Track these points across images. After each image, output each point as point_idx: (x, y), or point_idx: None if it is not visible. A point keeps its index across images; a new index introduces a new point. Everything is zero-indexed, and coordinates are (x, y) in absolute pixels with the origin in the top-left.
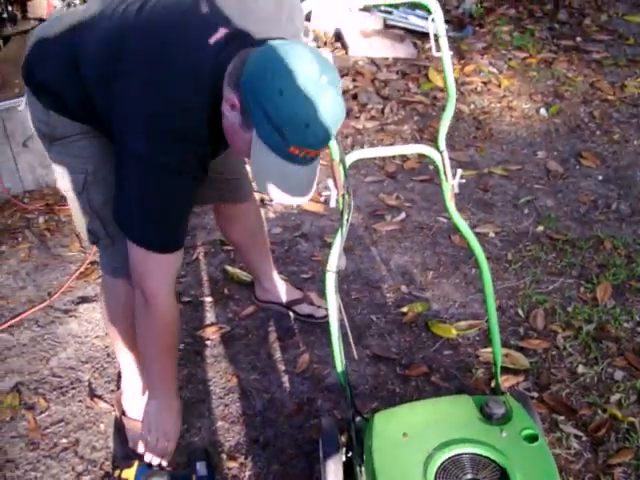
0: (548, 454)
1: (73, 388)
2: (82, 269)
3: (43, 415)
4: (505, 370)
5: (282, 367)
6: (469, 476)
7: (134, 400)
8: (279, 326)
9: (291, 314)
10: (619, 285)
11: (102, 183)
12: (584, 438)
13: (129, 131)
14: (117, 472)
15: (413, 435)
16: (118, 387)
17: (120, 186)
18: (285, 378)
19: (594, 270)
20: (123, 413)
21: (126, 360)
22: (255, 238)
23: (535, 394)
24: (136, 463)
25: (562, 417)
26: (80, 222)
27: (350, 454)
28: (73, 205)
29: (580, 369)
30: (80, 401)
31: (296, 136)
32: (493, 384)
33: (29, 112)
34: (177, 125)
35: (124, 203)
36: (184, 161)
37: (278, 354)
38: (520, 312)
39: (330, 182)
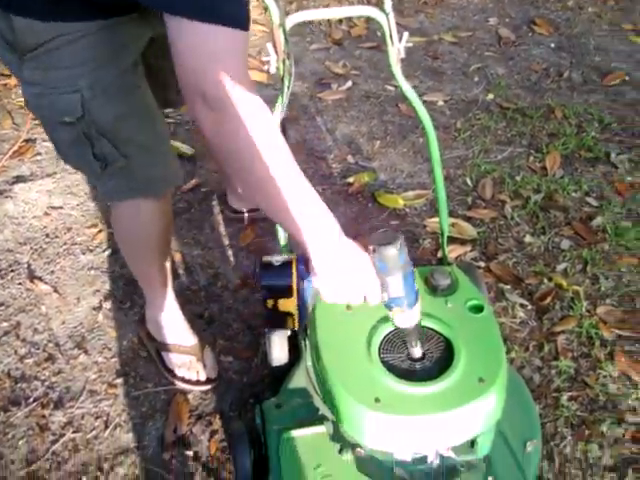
0: (493, 324)
1: (12, 271)
2: (16, 147)
3: None
4: (452, 240)
5: (226, 241)
6: None
7: (164, 324)
8: (221, 200)
9: None
10: (568, 155)
11: (108, 94)
12: (529, 307)
13: None
14: (270, 303)
15: (357, 308)
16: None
17: None
18: (229, 252)
19: (544, 139)
20: (153, 339)
21: (151, 283)
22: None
23: (482, 264)
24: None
25: (508, 286)
26: (75, 153)
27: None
28: (63, 135)
29: (527, 239)
30: (20, 284)
31: None
32: (440, 255)
33: None
34: None
35: None
36: None
37: (222, 228)
38: (468, 182)
39: (270, 46)
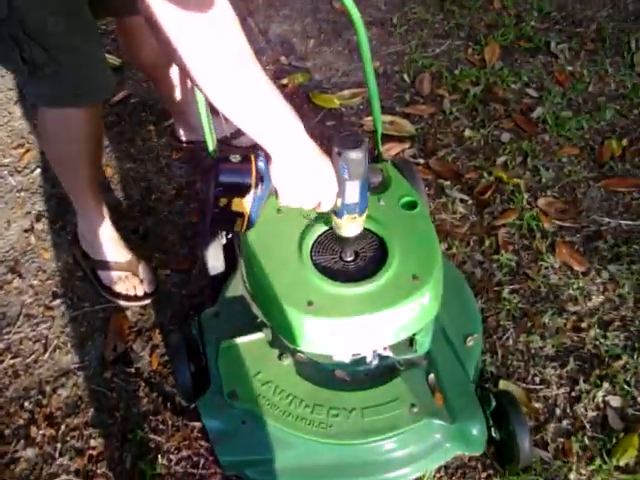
0: (427, 220)
1: None
2: None
3: None
4: (390, 138)
5: (159, 153)
6: None
7: (98, 242)
8: (152, 110)
9: None
10: (508, 46)
11: None
12: (470, 202)
13: None
14: (223, 201)
15: (287, 211)
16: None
17: None
18: (162, 164)
19: (482, 31)
20: (87, 257)
21: (83, 199)
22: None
23: (421, 160)
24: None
25: (448, 182)
26: (1, 54)
27: (230, 236)
28: None
29: (467, 133)
30: None
31: None
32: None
33: None
34: None
35: None
36: None
37: (154, 139)
38: (406, 77)
39: None
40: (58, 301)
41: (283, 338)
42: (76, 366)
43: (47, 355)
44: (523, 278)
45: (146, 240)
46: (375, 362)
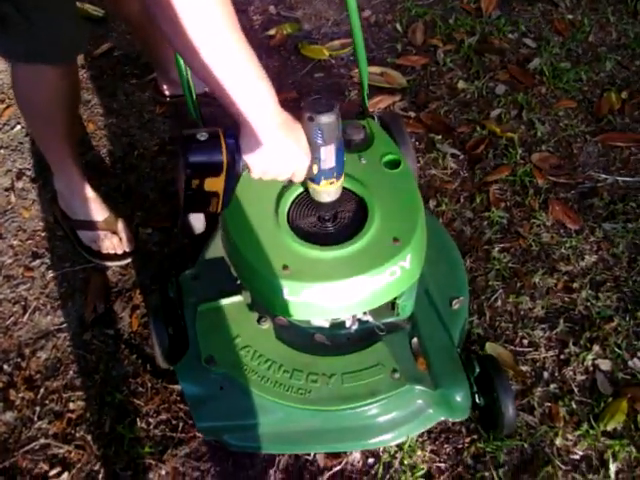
0: (410, 180)
1: None
2: None
3: None
4: (380, 90)
5: (142, 107)
6: None
7: (75, 201)
8: (136, 64)
9: None
10: None
11: None
12: (461, 157)
13: None
14: (195, 183)
15: None
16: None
17: None
18: (145, 119)
19: None
20: (66, 217)
21: (59, 158)
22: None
23: (412, 114)
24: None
25: (439, 136)
26: None
27: None
28: None
29: (460, 85)
30: None
31: None
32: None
33: None
34: None
35: None
36: None
37: (137, 94)
38: (398, 27)
39: None
40: (38, 261)
41: (260, 302)
42: (56, 328)
43: (26, 317)
44: (514, 236)
45: (128, 198)
46: (355, 327)
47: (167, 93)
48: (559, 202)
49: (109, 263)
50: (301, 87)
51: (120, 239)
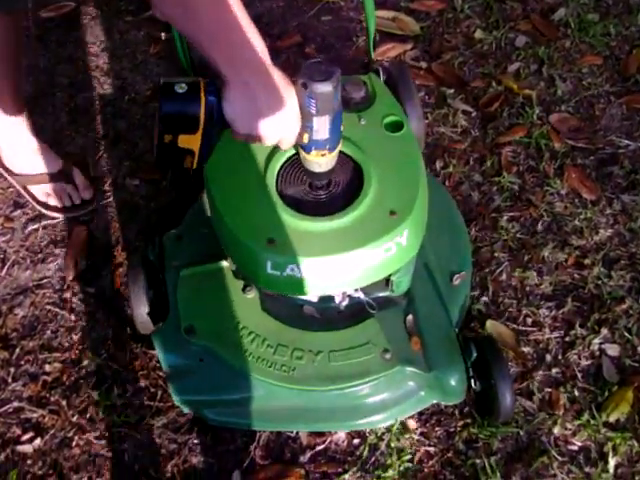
0: (413, 145)
1: None
2: None
3: None
4: (392, 37)
5: (136, 47)
6: None
7: (21, 156)
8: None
9: None
10: None
11: None
12: (474, 114)
13: None
14: (167, 138)
15: None
16: None
17: None
18: (139, 60)
19: None
20: (14, 174)
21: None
22: None
23: (424, 64)
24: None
25: (451, 90)
26: None
27: None
28: None
29: (477, 34)
30: None
31: None
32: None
33: None
34: None
35: None
36: None
37: (132, 31)
38: None
39: None
40: (19, 211)
41: (243, 273)
42: (35, 284)
43: (5, 271)
44: (525, 205)
45: (116, 146)
46: (345, 303)
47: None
48: (576, 169)
49: (69, 215)
50: (306, 31)
51: (76, 187)
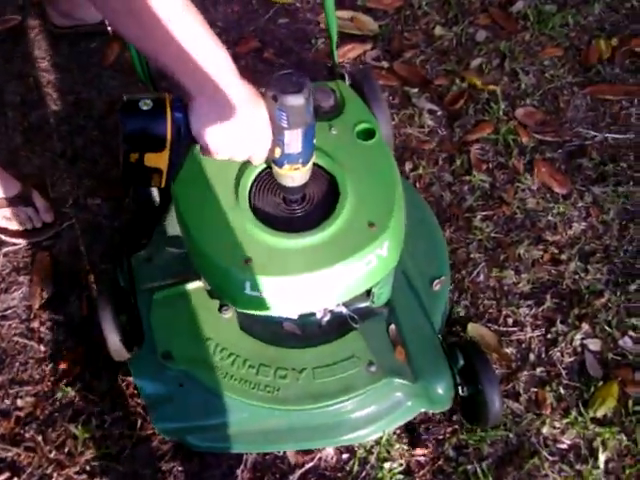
0: (386, 152)
1: None
2: None
3: None
4: (351, 38)
5: (87, 60)
6: None
7: None
8: None
9: None
10: None
11: None
12: (439, 113)
13: None
14: (133, 157)
15: None
16: None
17: None
18: (92, 72)
19: None
20: None
21: None
22: None
23: (385, 64)
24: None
25: (415, 90)
26: None
27: None
28: None
29: (437, 31)
30: None
31: None
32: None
33: None
34: None
35: None
36: None
37: (82, 44)
38: None
39: None
40: None
41: (218, 294)
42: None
43: None
44: (497, 202)
45: (74, 164)
46: (326, 318)
47: (56, 23)
48: (545, 163)
49: (30, 240)
50: (264, 35)
51: (36, 211)
